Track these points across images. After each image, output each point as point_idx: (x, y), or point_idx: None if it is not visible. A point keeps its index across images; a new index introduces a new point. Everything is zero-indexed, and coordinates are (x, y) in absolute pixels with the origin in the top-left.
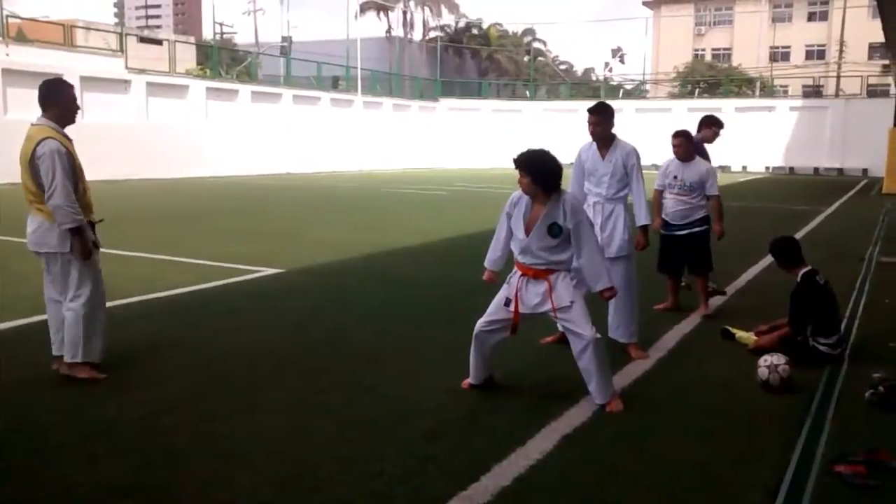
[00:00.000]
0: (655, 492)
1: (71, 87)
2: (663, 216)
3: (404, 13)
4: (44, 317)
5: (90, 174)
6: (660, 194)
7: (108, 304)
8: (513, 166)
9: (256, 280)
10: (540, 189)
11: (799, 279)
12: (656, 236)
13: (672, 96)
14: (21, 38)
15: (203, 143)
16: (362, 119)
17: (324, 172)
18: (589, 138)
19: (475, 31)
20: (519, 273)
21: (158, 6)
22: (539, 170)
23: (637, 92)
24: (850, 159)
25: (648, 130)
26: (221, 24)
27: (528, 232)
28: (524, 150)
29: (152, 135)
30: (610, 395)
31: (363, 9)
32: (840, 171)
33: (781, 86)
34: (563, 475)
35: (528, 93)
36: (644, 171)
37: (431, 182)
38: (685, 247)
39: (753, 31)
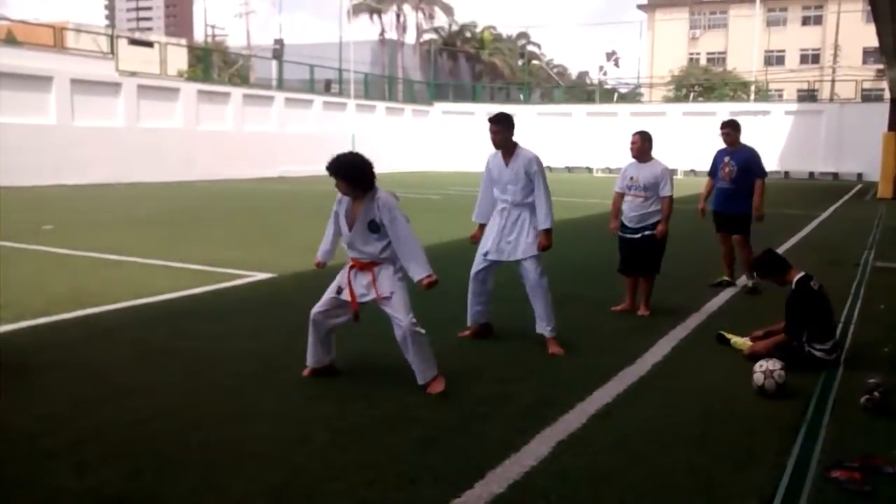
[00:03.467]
0: (651, 498)
1: None
2: (622, 219)
3: (398, 16)
4: (31, 322)
5: (81, 177)
6: (619, 197)
7: (94, 309)
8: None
9: (247, 285)
10: (355, 190)
11: (793, 285)
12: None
13: (667, 100)
14: (11, 40)
15: (194, 146)
16: (355, 122)
17: (316, 176)
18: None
19: (469, 35)
20: (350, 264)
21: (149, 9)
22: (351, 174)
23: (632, 96)
24: (845, 164)
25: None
26: (213, 27)
27: (350, 228)
28: (334, 156)
29: (143, 138)
30: (430, 377)
31: (356, 11)
32: (835, 175)
33: (776, 90)
34: (558, 481)
35: (521, 96)
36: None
37: (425, 186)
38: (638, 248)
39: (748, 34)
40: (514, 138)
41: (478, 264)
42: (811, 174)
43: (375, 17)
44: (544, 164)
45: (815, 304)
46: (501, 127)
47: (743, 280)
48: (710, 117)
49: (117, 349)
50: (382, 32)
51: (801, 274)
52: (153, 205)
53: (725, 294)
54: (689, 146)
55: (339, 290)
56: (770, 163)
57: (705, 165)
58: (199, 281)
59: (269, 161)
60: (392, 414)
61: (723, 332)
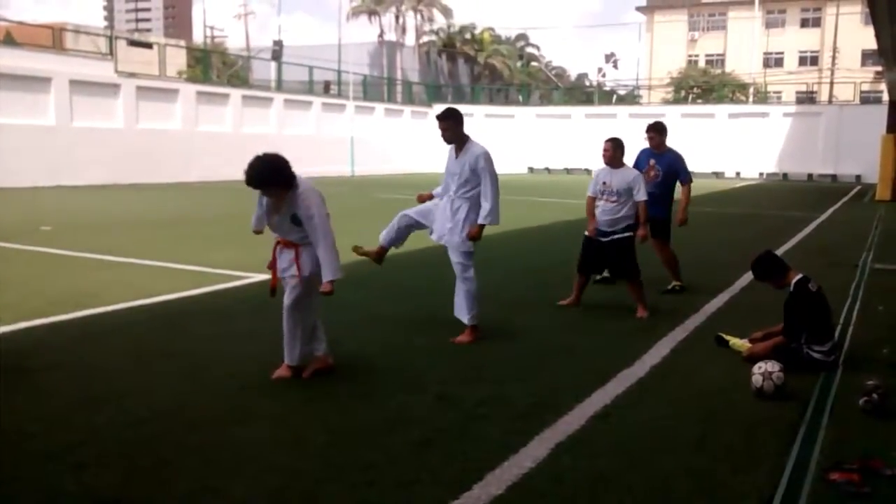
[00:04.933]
0: (650, 500)
1: None
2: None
3: (396, 17)
4: (29, 323)
5: (79, 178)
6: (592, 201)
7: (92, 311)
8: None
9: (246, 286)
10: (277, 193)
11: (792, 287)
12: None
13: (666, 102)
14: (9, 41)
15: (194, 147)
16: (354, 124)
17: (315, 176)
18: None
19: (468, 36)
20: (276, 241)
21: (148, 10)
22: (266, 182)
23: (631, 97)
24: (844, 165)
25: (642, 136)
26: (212, 28)
27: (271, 218)
28: (247, 165)
29: (142, 139)
30: (292, 359)
31: (355, 13)
32: (833, 177)
33: (775, 92)
34: (556, 483)
35: (520, 98)
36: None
37: (426, 186)
38: (609, 253)
39: (747, 36)
40: (507, 139)
41: (411, 215)
42: (810, 176)
43: (374, 18)
44: (544, 166)
45: (813, 305)
46: (450, 123)
47: (727, 291)
48: (710, 119)
49: (115, 350)
50: (381, 34)
51: (800, 276)
52: (151, 206)
53: (724, 295)
54: (687, 148)
55: (269, 265)
56: (769, 164)
57: (704, 167)
58: (197, 282)
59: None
60: (390, 415)
61: (721, 334)
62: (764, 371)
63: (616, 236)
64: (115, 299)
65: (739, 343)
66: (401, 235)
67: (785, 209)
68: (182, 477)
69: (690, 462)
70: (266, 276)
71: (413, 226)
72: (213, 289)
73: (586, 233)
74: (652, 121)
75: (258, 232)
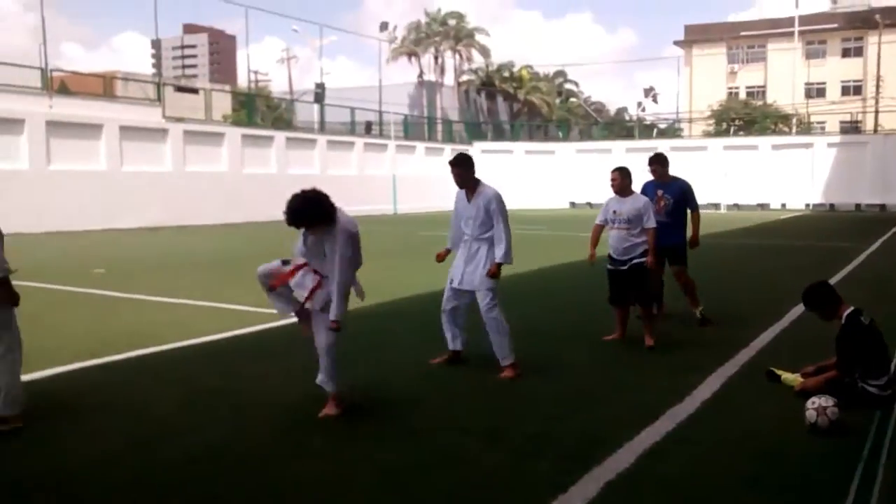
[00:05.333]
0: None
1: None
2: (609, 252)
3: (435, 58)
4: (83, 364)
5: (130, 221)
6: (598, 229)
7: (144, 350)
8: (538, 207)
9: (292, 325)
10: (320, 228)
11: (843, 320)
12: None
13: (707, 135)
14: (63, 90)
15: (240, 188)
16: (396, 163)
17: (360, 215)
18: None
19: (507, 74)
20: (304, 262)
21: (195, 56)
22: (311, 220)
23: (672, 131)
24: (893, 195)
25: (684, 169)
26: (256, 73)
27: (304, 244)
28: (287, 204)
29: (190, 181)
30: (329, 391)
31: (395, 55)
32: (882, 206)
33: (818, 122)
34: None
35: (560, 134)
36: None
37: None
38: (628, 280)
39: (787, 67)
40: (548, 175)
41: (447, 291)
42: (857, 206)
43: (414, 59)
44: (585, 201)
45: (866, 339)
46: (461, 168)
47: (777, 325)
48: (753, 151)
49: (166, 389)
50: (421, 74)
51: (851, 308)
52: (199, 247)
53: (774, 329)
54: (731, 180)
55: (285, 262)
56: (815, 195)
57: (749, 199)
58: (246, 322)
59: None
60: (438, 453)
61: (773, 369)
62: (818, 406)
63: (635, 261)
64: (165, 339)
65: (791, 378)
66: (458, 326)
67: (833, 240)
68: None
69: (743, 501)
70: None
71: (457, 308)
72: (260, 328)
73: (606, 266)
74: (653, 153)
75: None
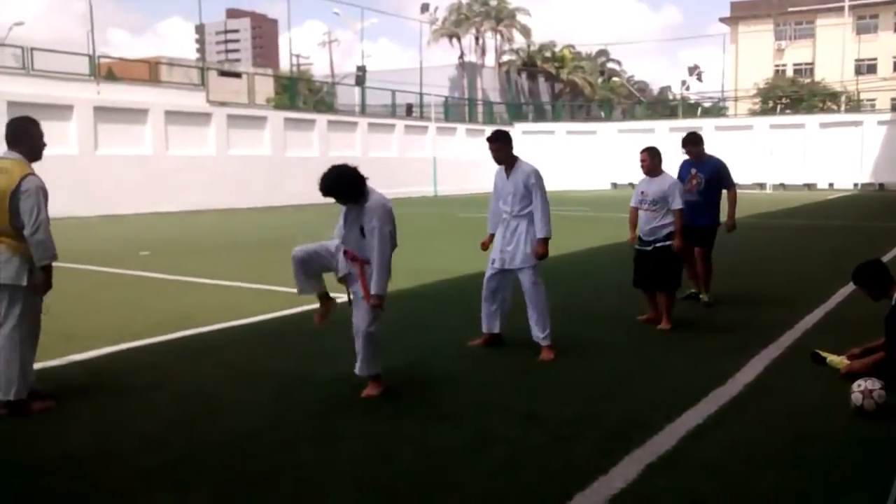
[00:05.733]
0: None
1: (37, 123)
2: (638, 232)
3: (476, 39)
4: (130, 345)
5: (175, 204)
6: (634, 211)
7: (188, 332)
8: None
9: (336, 306)
10: (350, 201)
11: (894, 301)
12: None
13: (753, 113)
14: (110, 76)
15: (282, 171)
16: (436, 145)
17: (400, 197)
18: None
19: (548, 55)
20: (344, 250)
21: (237, 41)
22: (339, 191)
23: (716, 110)
24: None
25: (729, 149)
26: (298, 56)
27: (345, 226)
28: (322, 174)
29: (233, 165)
30: (366, 374)
31: (435, 36)
32: None
33: (868, 100)
34: None
35: (602, 114)
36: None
37: None
38: (650, 262)
39: (837, 43)
40: (590, 156)
41: (488, 272)
42: None
43: (454, 41)
44: (627, 182)
45: None
46: (500, 144)
47: (823, 307)
48: (800, 129)
49: (210, 370)
50: (462, 56)
51: None
52: (243, 229)
53: (819, 311)
54: (777, 159)
55: (338, 249)
56: (864, 174)
57: (795, 179)
58: (289, 303)
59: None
60: (478, 435)
61: (818, 351)
62: (864, 389)
63: (658, 244)
64: (210, 320)
65: (837, 360)
66: (498, 307)
67: (882, 220)
68: (276, 495)
69: (786, 483)
70: None
71: (498, 289)
72: (303, 309)
73: (634, 246)
74: (686, 134)
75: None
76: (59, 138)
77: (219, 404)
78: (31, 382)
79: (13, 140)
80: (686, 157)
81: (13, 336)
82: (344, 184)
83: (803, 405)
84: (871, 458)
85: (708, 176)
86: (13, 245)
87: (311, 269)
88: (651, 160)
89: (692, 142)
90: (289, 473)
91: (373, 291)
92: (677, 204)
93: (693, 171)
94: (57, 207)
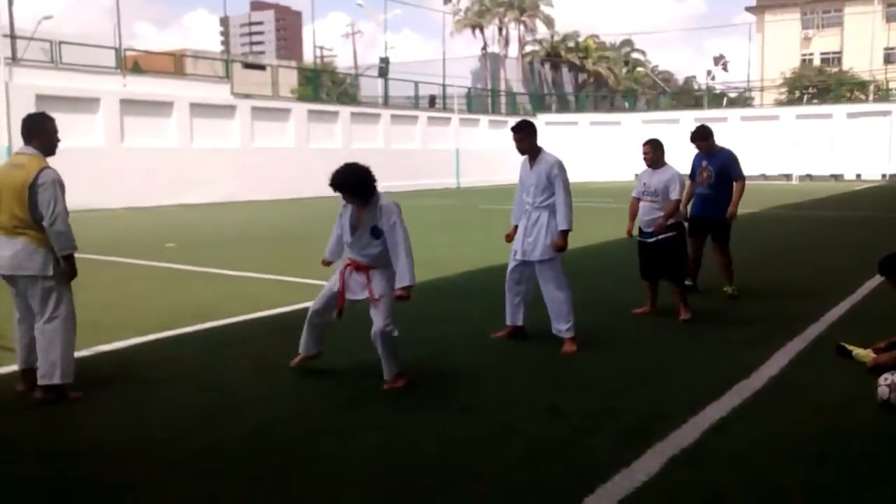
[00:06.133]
0: None
1: (52, 119)
2: (640, 224)
3: (499, 29)
4: (156, 336)
5: (200, 197)
6: (634, 202)
7: (213, 323)
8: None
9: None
10: (357, 199)
11: None
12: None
13: (779, 103)
14: (136, 69)
15: (306, 163)
16: (459, 136)
17: (421, 190)
18: None
19: (572, 45)
20: (346, 264)
21: (262, 33)
22: (350, 186)
23: (742, 100)
24: None
25: (755, 139)
26: (322, 48)
27: (354, 232)
28: (335, 170)
29: (258, 157)
30: (393, 376)
31: (458, 27)
32: None
33: None
34: (670, 499)
35: (626, 104)
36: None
37: None
38: (655, 254)
39: (865, 32)
40: (614, 147)
41: (510, 264)
42: None
43: (477, 32)
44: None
45: None
46: (524, 134)
47: (849, 300)
48: (827, 120)
49: (236, 361)
50: (485, 46)
51: None
52: (267, 222)
53: (846, 303)
54: (803, 150)
55: (336, 289)
56: (892, 165)
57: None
58: (312, 295)
59: (376, 176)
60: (500, 427)
61: (843, 344)
62: (891, 382)
63: (660, 236)
64: (235, 312)
65: (863, 353)
66: (521, 300)
67: None
68: (301, 485)
69: (811, 478)
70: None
71: (520, 281)
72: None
73: (636, 238)
74: (695, 128)
75: (328, 263)
76: (85, 131)
77: (242, 396)
78: (73, 369)
79: (28, 136)
80: (681, 148)
81: (53, 324)
82: (361, 180)
83: (828, 399)
84: None
85: (718, 168)
86: (36, 237)
87: (324, 318)
88: (654, 152)
89: (701, 136)
90: (311, 464)
91: (405, 283)
92: (675, 195)
93: (704, 163)
94: (83, 199)
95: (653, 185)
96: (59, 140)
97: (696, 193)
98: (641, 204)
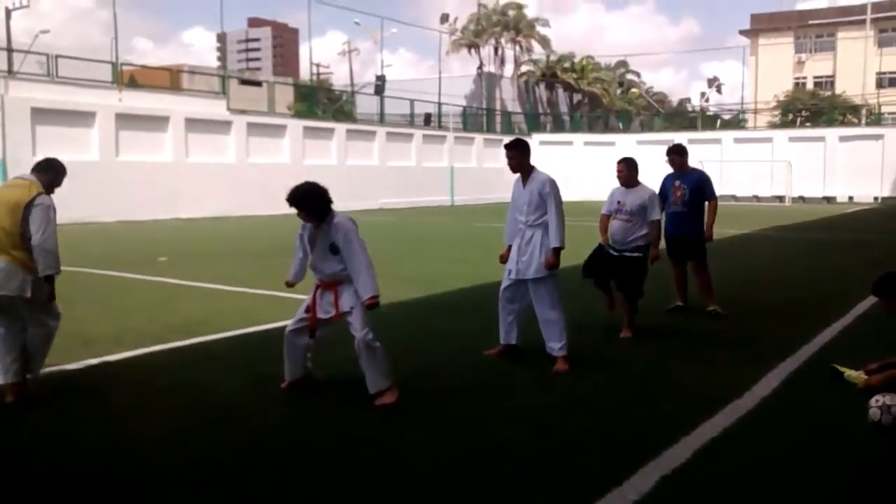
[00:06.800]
0: None
1: (66, 172)
2: (609, 240)
3: (495, 49)
4: (149, 349)
5: (194, 211)
6: (605, 218)
7: (205, 337)
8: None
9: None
10: (312, 217)
11: None
12: None
13: (772, 126)
14: (133, 83)
15: (302, 179)
16: (454, 154)
17: (417, 208)
18: None
19: (567, 65)
20: (317, 285)
21: (258, 49)
22: (306, 204)
23: (735, 122)
24: None
25: (748, 161)
26: (318, 65)
27: (312, 250)
28: (292, 188)
29: (253, 173)
30: (382, 388)
31: (455, 46)
32: None
33: (889, 113)
34: None
35: (620, 125)
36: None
37: None
38: (617, 267)
39: (858, 57)
40: (608, 167)
41: (504, 282)
42: None
43: (473, 51)
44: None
45: None
46: (516, 152)
47: (841, 322)
48: (819, 143)
49: (229, 375)
50: (481, 66)
51: None
52: (261, 237)
53: (838, 325)
54: (796, 172)
55: (308, 308)
56: (884, 188)
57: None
58: None
59: (370, 193)
60: (492, 446)
61: (836, 366)
62: (882, 404)
63: (626, 254)
64: (228, 326)
65: (855, 375)
66: (514, 318)
67: None
68: (292, 500)
69: (802, 500)
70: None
71: (514, 299)
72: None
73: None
74: (671, 144)
75: (291, 284)
76: (81, 144)
77: (237, 408)
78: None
79: (42, 169)
80: (670, 170)
81: (39, 331)
82: (315, 198)
83: (820, 420)
84: (891, 473)
85: (692, 187)
86: (18, 258)
87: (300, 338)
88: (628, 171)
89: (678, 151)
90: (307, 478)
91: (369, 294)
92: (656, 215)
93: (677, 182)
94: (77, 212)
95: (629, 203)
96: (59, 186)
97: (669, 213)
98: (614, 222)
